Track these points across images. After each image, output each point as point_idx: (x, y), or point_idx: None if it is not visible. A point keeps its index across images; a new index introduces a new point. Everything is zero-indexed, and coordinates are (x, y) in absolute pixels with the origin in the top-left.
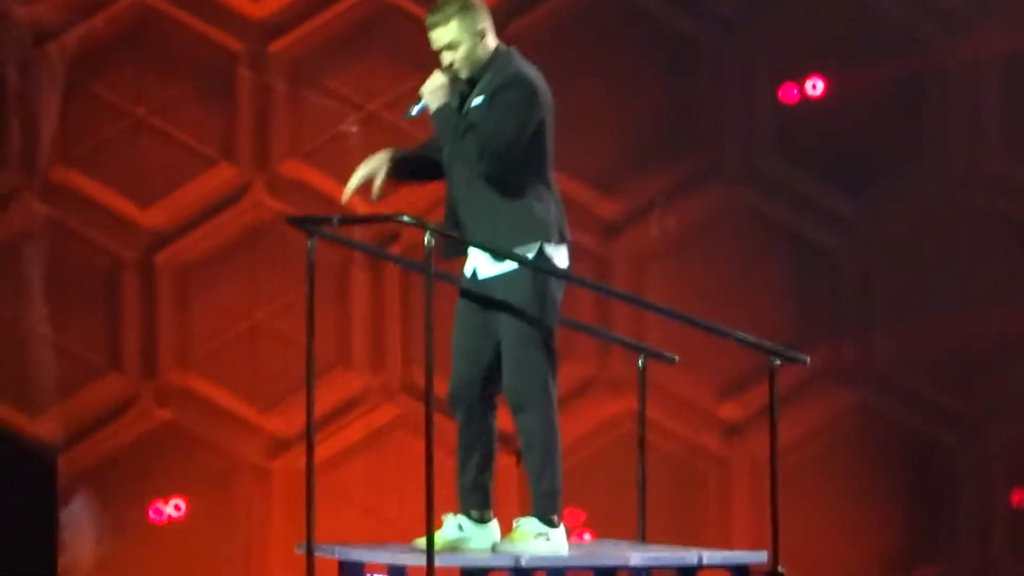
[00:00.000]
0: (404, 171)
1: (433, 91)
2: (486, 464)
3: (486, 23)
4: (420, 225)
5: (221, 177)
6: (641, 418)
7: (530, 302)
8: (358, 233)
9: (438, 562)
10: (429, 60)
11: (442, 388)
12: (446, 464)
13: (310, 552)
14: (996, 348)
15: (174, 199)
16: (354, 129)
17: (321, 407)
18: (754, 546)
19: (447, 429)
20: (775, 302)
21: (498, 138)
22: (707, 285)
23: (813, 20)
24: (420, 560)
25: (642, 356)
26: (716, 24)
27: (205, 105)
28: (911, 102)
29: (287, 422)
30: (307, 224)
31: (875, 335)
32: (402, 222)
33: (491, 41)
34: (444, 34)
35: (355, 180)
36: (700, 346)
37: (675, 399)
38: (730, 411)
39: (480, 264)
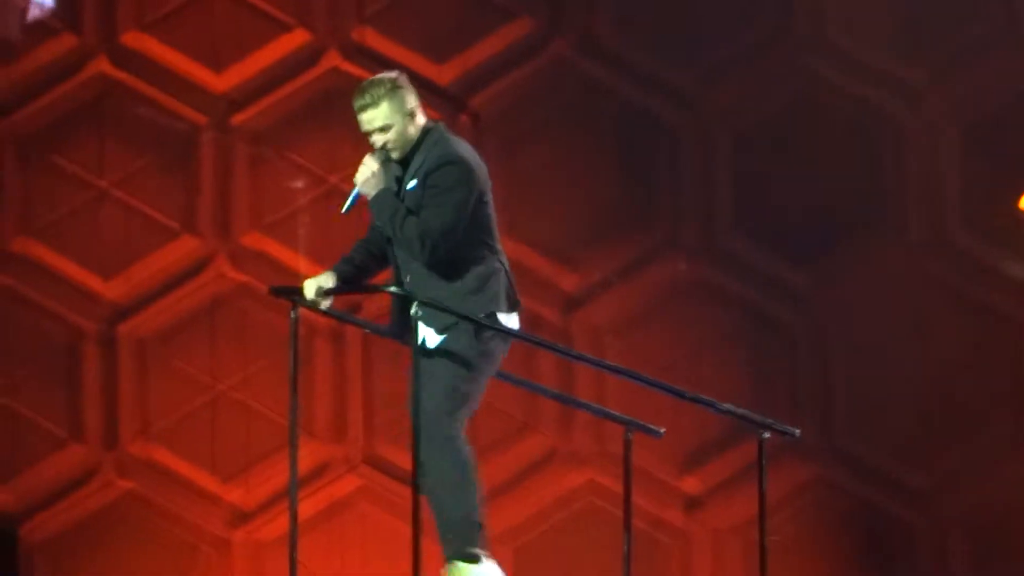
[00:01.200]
0: (355, 284)
1: (366, 180)
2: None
3: (415, 102)
4: (408, 295)
5: (183, 249)
6: (627, 493)
7: (467, 353)
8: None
9: None
10: None
11: (401, 458)
12: (403, 531)
13: None
14: (952, 420)
15: (136, 271)
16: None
17: (283, 478)
18: None
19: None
20: (733, 375)
21: (435, 225)
22: (665, 358)
23: (769, 91)
24: None
25: (628, 430)
26: (673, 97)
27: (167, 177)
28: (869, 172)
29: (248, 493)
30: (292, 294)
31: (833, 408)
32: (389, 292)
33: (420, 119)
34: (375, 116)
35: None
36: (659, 419)
37: (637, 472)
38: (691, 484)
39: (427, 336)
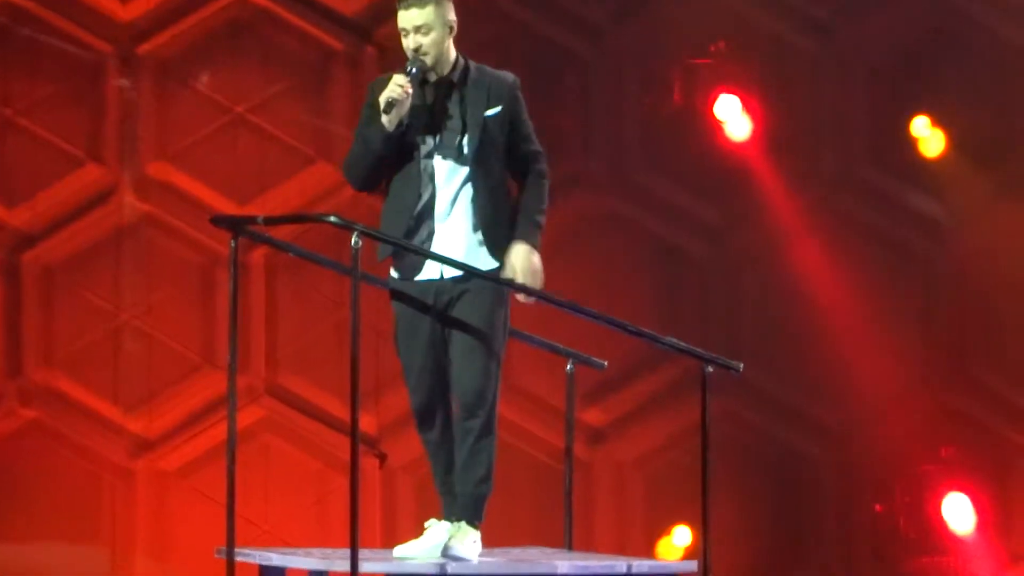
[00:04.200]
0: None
1: (394, 93)
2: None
3: (454, 21)
4: (347, 226)
5: (88, 178)
6: (569, 424)
7: (499, 308)
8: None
9: (365, 568)
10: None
11: (304, 389)
12: (305, 464)
13: (231, 557)
14: (861, 355)
15: (40, 199)
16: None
17: (186, 408)
18: (618, 549)
19: (310, 429)
20: (642, 310)
21: (537, 145)
22: (573, 292)
23: (681, 27)
24: (347, 567)
25: (571, 361)
26: (585, 32)
27: (73, 106)
28: (784, 108)
29: (151, 423)
30: (233, 223)
31: (741, 343)
32: (329, 222)
33: (452, 41)
34: (420, 16)
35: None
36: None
37: (540, 405)
38: (594, 416)
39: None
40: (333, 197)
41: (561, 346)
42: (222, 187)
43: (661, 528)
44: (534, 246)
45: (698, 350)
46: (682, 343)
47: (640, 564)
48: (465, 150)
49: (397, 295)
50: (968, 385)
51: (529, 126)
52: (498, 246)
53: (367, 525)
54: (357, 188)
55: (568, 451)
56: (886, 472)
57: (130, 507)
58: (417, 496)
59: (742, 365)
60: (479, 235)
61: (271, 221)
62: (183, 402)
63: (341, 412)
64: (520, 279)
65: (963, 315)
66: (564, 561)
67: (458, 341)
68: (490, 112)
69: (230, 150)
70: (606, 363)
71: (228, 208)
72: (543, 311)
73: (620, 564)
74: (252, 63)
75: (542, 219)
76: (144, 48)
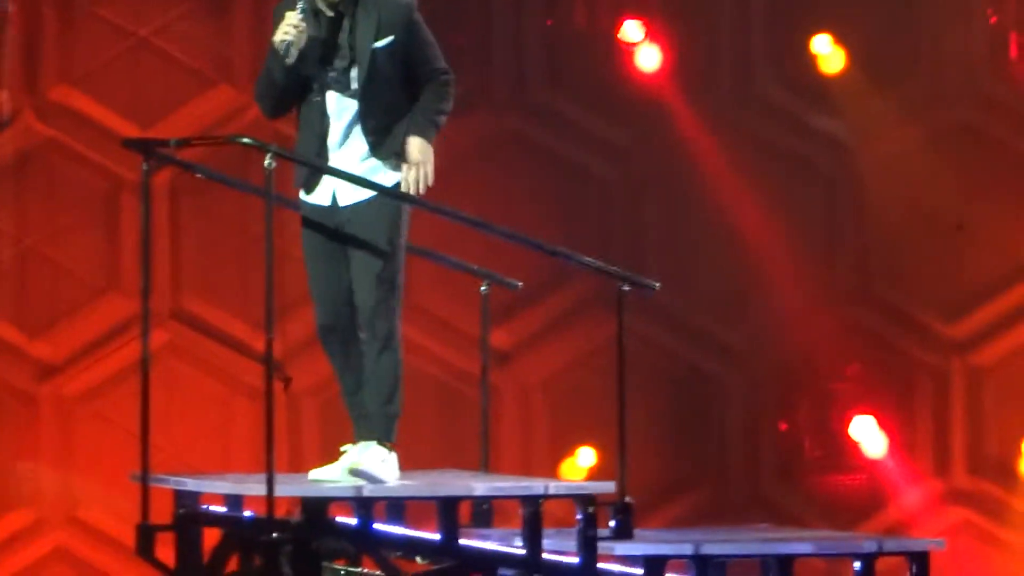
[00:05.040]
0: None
1: (287, 33)
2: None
3: None
4: (261, 147)
5: None
6: (484, 347)
7: (393, 229)
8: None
9: (280, 492)
10: None
11: (208, 313)
12: (209, 388)
13: (145, 482)
14: (764, 276)
15: None
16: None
17: (90, 333)
18: (523, 470)
19: (214, 353)
20: (545, 230)
21: (446, 66)
22: (476, 211)
23: None
24: (262, 491)
25: (486, 283)
26: None
27: None
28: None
29: (55, 348)
30: (144, 146)
31: (644, 263)
32: (242, 143)
33: None
34: None
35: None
36: (464, 275)
37: (444, 326)
38: (498, 338)
39: (340, 190)
40: (236, 120)
41: (475, 267)
42: (125, 111)
43: (565, 449)
44: (427, 139)
45: (614, 268)
46: (597, 262)
47: (558, 485)
48: (353, 83)
49: (303, 217)
50: (872, 302)
51: (429, 49)
52: (390, 172)
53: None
54: (268, 117)
55: (484, 373)
56: (791, 390)
57: (34, 432)
58: (322, 419)
59: (658, 284)
60: (369, 163)
61: (182, 143)
62: (87, 328)
63: (245, 335)
64: (411, 163)
65: (865, 232)
66: (481, 483)
67: (354, 260)
68: (379, 44)
69: (132, 74)
70: (520, 284)
71: (132, 132)
72: (448, 230)
73: (537, 485)
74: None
75: (438, 118)
76: None
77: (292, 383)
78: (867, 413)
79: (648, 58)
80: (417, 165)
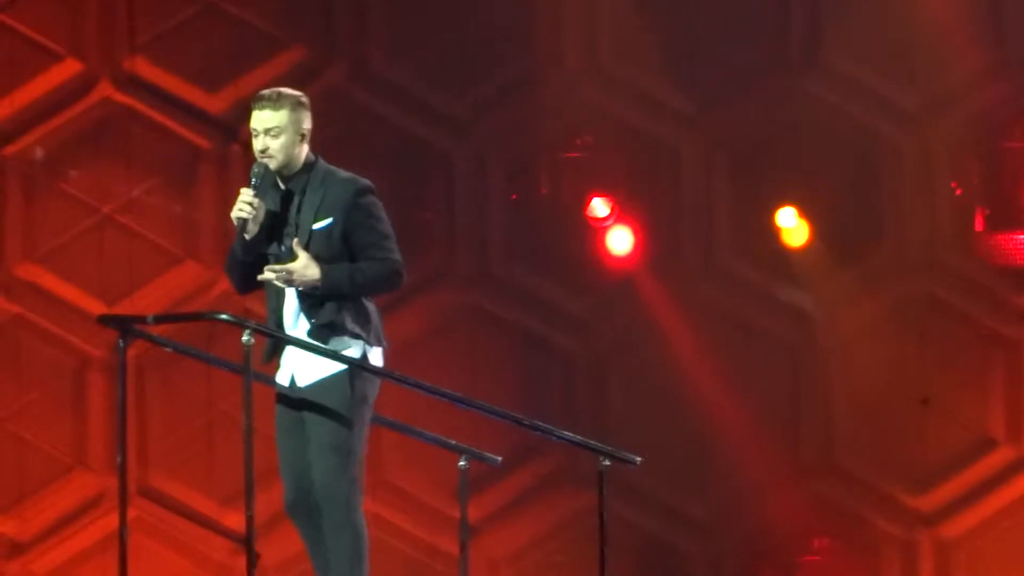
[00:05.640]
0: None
1: (242, 211)
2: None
3: (309, 128)
4: (240, 324)
5: None
6: (463, 521)
7: (348, 406)
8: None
9: None
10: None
11: (175, 490)
12: (175, 564)
13: None
14: (728, 447)
15: None
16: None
17: (57, 510)
18: None
19: (180, 530)
20: (508, 403)
21: (396, 257)
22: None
23: (544, 118)
24: None
25: (464, 457)
26: (446, 125)
27: None
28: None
29: (22, 525)
30: (121, 323)
31: (607, 436)
32: (220, 320)
33: (306, 148)
34: (273, 118)
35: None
36: (432, 449)
37: (411, 501)
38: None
39: (297, 371)
40: (202, 296)
41: (453, 442)
42: (91, 287)
43: None
44: (325, 275)
45: (594, 443)
46: (578, 436)
47: None
48: (282, 259)
49: (276, 393)
50: (837, 474)
51: (373, 235)
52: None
53: None
54: (238, 293)
55: (463, 550)
56: (757, 563)
57: None
58: None
59: (639, 459)
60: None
61: (160, 319)
62: (54, 503)
63: (210, 511)
64: (288, 269)
65: (829, 404)
66: None
67: (312, 434)
68: (318, 225)
69: (98, 250)
70: (500, 459)
71: (98, 308)
72: (416, 405)
73: None
74: (118, 163)
75: (356, 277)
76: (10, 150)
77: (260, 559)
78: None
79: (618, 239)
80: (290, 272)
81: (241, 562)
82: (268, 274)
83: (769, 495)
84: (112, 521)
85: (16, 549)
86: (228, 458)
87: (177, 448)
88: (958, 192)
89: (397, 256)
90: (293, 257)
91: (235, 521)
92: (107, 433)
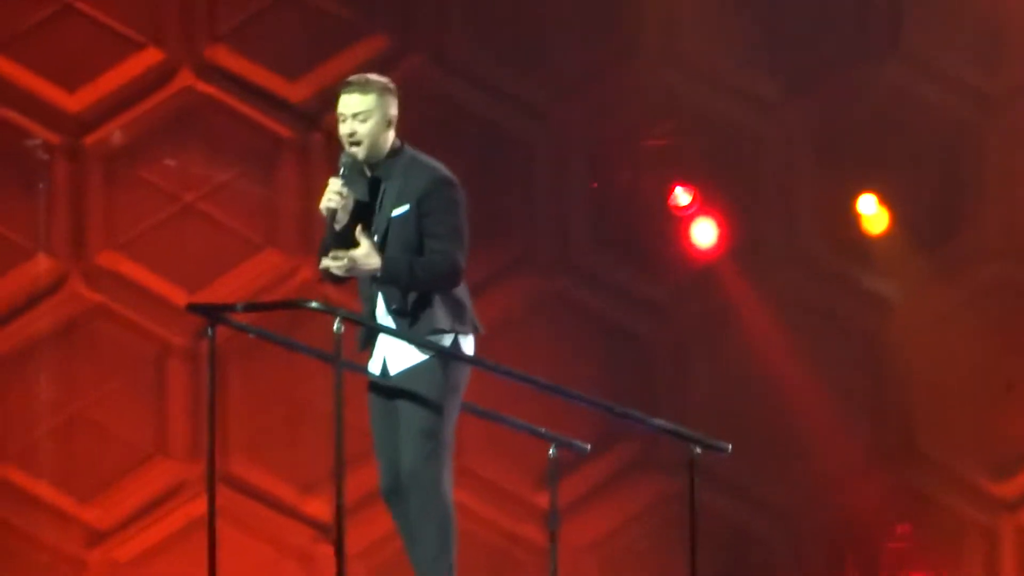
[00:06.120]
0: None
1: (331, 199)
2: None
3: (395, 115)
4: (330, 312)
5: (38, 268)
6: (553, 508)
7: (438, 393)
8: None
9: None
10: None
11: (256, 477)
12: (258, 551)
13: None
14: (810, 434)
15: None
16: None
17: (138, 498)
18: None
19: (263, 518)
20: (589, 390)
21: (459, 255)
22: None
23: (623, 105)
24: None
25: (554, 445)
26: (526, 112)
27: (22, 197)
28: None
29: (105, 512)
30: (210, 311)
31: (688, 422)
32: (310, 308)
33: (392, 135)
34: (361, 102)
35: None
36: (517, 436)
37: (492, 488)
38: (543, 500)
39: (389, 358)
40: (283, 284)
41: (543, 429)
42: (172, 275)
43: None
44: (385, 264)
45: (686, 431)
46: (670, 424)
47: None
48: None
49: (369, 381)
50: (919, 461)
51: (443, 227)
52: (421, 338)
53: None
54: (332, 283)
55: (553, 539)
56: (841, 550)
57: None
58: None
59: (730, 446)
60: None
61: (251, 307)
62: (135, 492)
63: (292, 498)
64: (351, 255)
65: (911, 390)
66: None
67: (403, 421)
68: (396, 212)
69: (179, 239)
70: (589, 447)
71: (179, 297)
72: (497, 393)
73: None
74: (199, 152)
75: (416, 269)
76: (91, 139)
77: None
78: (919, 573)
79: (701, 229)
80: (352, 260)
81: (322, 549)
82: (328, 262)
83: (851, 482)
84: (192, 509)
85: (98, 537)
86: (309, 446)
87: (258, 436)
88: None
89: (459, 255)
90: (356, 244)
91: (316, 508)
92: (187, 421)
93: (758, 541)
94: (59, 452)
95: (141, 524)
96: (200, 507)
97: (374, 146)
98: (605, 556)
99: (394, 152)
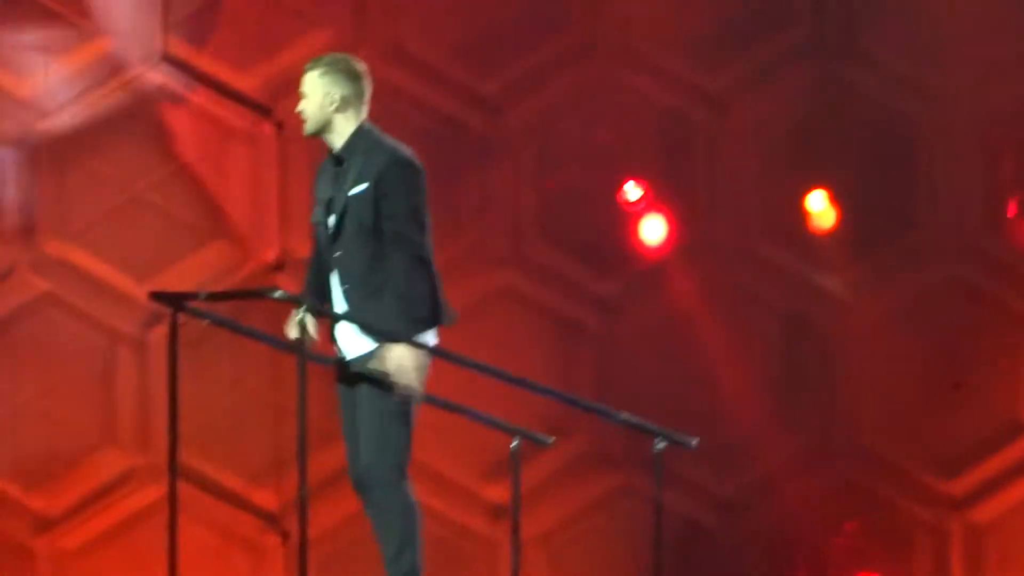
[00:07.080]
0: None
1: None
2: None
3: (349, 92)
4: (295, 301)
5: None
6: (515, 503)
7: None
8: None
9: None
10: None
11: (206, 467)
12: (206, 541)
13: None
14: (758, 430)
15: None
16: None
17: (85, 487)
18: None
19: (210, 507)
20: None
21: (416, 238)
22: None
23: (579, 102)
24: None
25: (517, 438)
26: (480, 107)
27: None
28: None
29: (52, 501)
30: (172, 300)
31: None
32: (274, 298)
33: (352, 114)
34: (305, 81)
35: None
36: (464, 428)
37: (441, 480)
38: (495, 493)
39: (346, 344)
40: (232, 275)
41: (504, 423)
42: (121, 265)
43: None
44: (401, 341)
45: (651, 425)
46: (634, 418)
47: None
48: (330, 230)
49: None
50: (867, 458)
51: (400, 206)
52: (371, 326)
53: None
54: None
55: (515, 532)
56: (786, 547)
57: None
58: (324, 572)
59: (696, 440)
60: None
61: (214, 297)
62: (83, 481)
63: (242, 489)
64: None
65: (860, 388)
66: None
67: (361, 406)
68: (354, 191)
69: (129, 228)
70: (553, 439)
71: (129, 287)
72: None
73: None
74: (149, 141)
75: (404, 307)
76: (41, 126)
77: (290, 537)
78: (865, 572)
79: (650, 225)
80: (397, 375)
81: (269, 539)
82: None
83: (799, 479)
84: (140, 498)
85: (45, 525)
86: (255, 435)
87: (205, 426)
88: (989, 177)
89: (417, 238)
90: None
91: (263, 498)
92: (136, 411)
93: (705, 536)
94: (6, 441)
95: (89, 513)
96: (148, 496)
97: (321, 124)
98: (552, 547)
99: (359, 133)
